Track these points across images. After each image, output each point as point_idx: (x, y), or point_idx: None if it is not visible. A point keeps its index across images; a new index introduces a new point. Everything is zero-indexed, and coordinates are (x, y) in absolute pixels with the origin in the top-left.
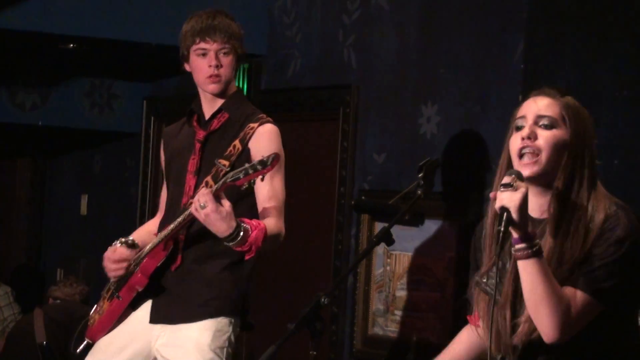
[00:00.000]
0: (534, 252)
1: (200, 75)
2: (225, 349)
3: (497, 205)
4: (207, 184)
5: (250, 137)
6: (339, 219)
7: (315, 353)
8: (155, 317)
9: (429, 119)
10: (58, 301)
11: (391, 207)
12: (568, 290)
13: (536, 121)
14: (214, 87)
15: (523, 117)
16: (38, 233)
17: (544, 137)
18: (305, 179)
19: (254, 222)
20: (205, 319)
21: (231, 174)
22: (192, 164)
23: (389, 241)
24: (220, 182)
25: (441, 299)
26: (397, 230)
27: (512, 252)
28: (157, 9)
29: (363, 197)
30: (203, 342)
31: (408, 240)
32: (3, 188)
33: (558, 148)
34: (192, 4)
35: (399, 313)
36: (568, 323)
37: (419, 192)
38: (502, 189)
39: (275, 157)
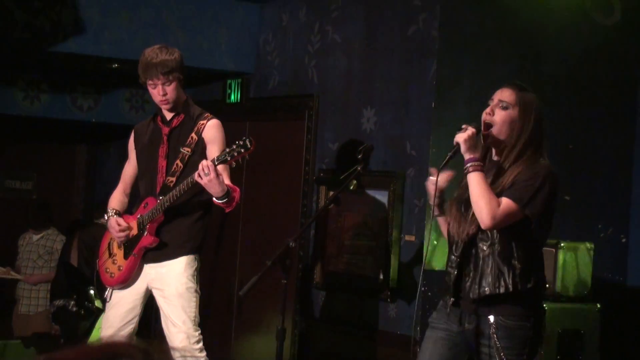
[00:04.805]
0: (476, 168)
1: (155, 100)
2: (195, 276)
3: (454, 141)
4: (177, 166)
5: (202, 130)
6: (304, 189)
7: (285, 282)
8: (148, 260)
9: (368, 119)
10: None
11: (341, 181)
12: (504, 197)
13: (497, 103)
14: (166, 107)
15: (492, 99)
16: (90, 200)
17: (499, 115)
18: (280, 161)
19: (232, 186)
20: (181, 256)
21: (220, 156)
22: (162, 151)
23: (338, 203)
24: (219, 161)
25: (376, 246)
26: (346, 197)
27: (464, 170)
28: (177, 38)
29: (321, 174)
30: (180, 271)
31: (353, 204)
32: (66, 167)
33: (508, 123)
34: (203, 32)
35: (346, 256)
36: (497, 214)
37: (359, 168)
38: (457, 131)
39: (251, 140)
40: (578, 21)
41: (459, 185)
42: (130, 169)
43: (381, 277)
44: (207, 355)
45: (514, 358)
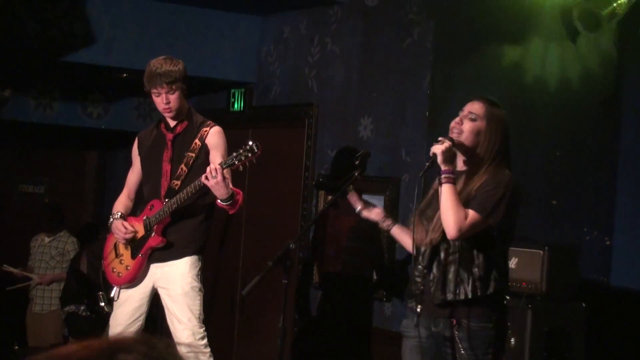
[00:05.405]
0: (449, 180)
1: (159, 108)
2: (199, 275)
3: (431, 152)
4: (182, 169)
5: (206, 136)
6: (304, 193)
7: (286, 282)
8: (153, 259)
9: (365, 127)
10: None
11: (339, 186)
12: (468, 209)
13: (467, 114)
14: (168, 115)
15: (462, 110)
16: (100, 203)
17: (467, 125)
18: (282, 166)
19: (236, 189)
20: (186, 256)
21: (228, 159)
22: (167, 155)
23: (336, 206)
24: (226, 164)
25: (371, 248)
26: (344, 202)
27: (438, 180)
28: (183, 50)
29: (320, 179)
30: (185, 271)
31: (351, 208)
32: (76, 172)
33: (475, 133)
34: (208, 44)
35: (344, 257)
36: (463, 226)
37: (356, 174)
38: (435, 142)
39: (258, 144)
40: (565, 35)
41: (424, 197)
42: (134, 175)
43: (376, 277)
44: (211, 351)
45: (478, 358)
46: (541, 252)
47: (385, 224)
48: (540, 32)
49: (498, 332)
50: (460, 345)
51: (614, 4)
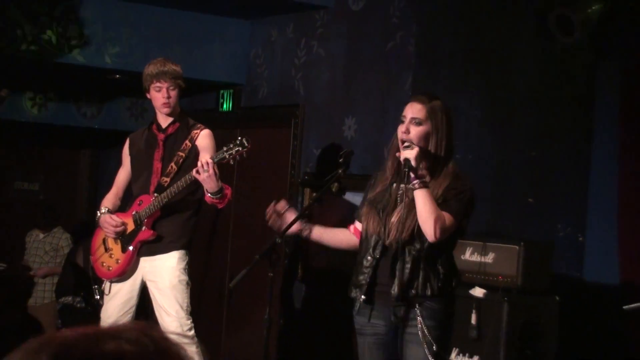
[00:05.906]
0: (424, 184)
1: (157, 103)
2: (186, 269)
3: (402, 157)
4: (172, 167)
5: (196, 138)
6: (290, 191)
7: (272, 275)
8: (142, 253)
9: (349, 127)
10: None
11: (324, 183)
12: (444, 212)
13: (411, 121)
14: (166, 110)
15: (404, 116)
16: (94, 200)
17: (414, 131)
18: (269, 165)
19: (225, 185)
20: (174, 250)
21: (219, 154)
22: (158, 154)
23: (320, 203)
24: (217, 158)
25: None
26: (328, 199)
27: (410, 186)
28: (174, 52)
29: (306, 177)
30: (173, 265)
31: (335, 205)
32: (70, 170)
33: (423, 137)
34: (198, 47)
35: (327, 252)
36: (443, 228)
37: (340, 172)
38: (404, 148)
39: (248, 139)
40: (542, 39)
41: (371, 189)
42: (123, 174)
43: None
44: (200, 341)
45: (436, 337)
46: (517, 247)
47: (305, 232)
48: (518, 35)
49: (452, 316)
50: (419, 321)
51: (588, 10)
